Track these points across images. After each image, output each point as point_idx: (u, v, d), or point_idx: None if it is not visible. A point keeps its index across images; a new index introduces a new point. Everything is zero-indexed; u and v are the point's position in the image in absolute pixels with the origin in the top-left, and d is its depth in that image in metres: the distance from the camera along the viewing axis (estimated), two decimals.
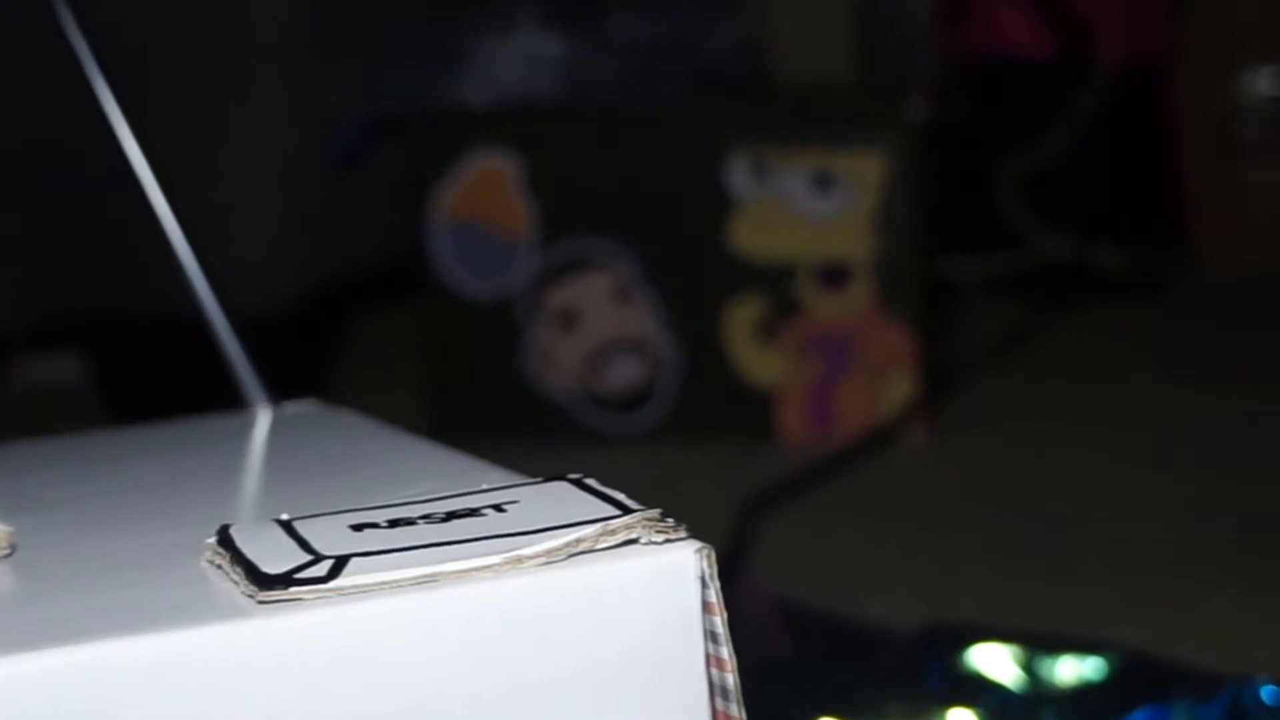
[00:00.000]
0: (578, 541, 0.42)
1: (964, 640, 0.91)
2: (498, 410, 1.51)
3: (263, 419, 0.61)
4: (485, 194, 1.49)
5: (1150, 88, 2.05)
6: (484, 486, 0.46)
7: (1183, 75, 2.03)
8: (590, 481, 0.46)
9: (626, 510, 0.43)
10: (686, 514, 1.22)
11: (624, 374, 1.49)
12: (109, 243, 1.46)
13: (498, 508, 0.44)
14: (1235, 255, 2.02)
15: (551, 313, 1.49)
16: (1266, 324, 1.82)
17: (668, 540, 0.42)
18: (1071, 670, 0.89)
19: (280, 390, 1.47)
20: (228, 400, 0.65)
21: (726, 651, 0.42)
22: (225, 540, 0.42)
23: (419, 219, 1.50)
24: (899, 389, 1.47)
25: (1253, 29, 2.01)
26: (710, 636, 0.42)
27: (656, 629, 0.42)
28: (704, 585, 0.42)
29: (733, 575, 1.10)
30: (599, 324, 1.49)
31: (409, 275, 1.53)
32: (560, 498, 0.44)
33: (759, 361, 1.48)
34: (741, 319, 1.47)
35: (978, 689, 0.88)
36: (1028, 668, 0.89)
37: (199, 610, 0.40)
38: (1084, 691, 0.88)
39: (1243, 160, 2.02)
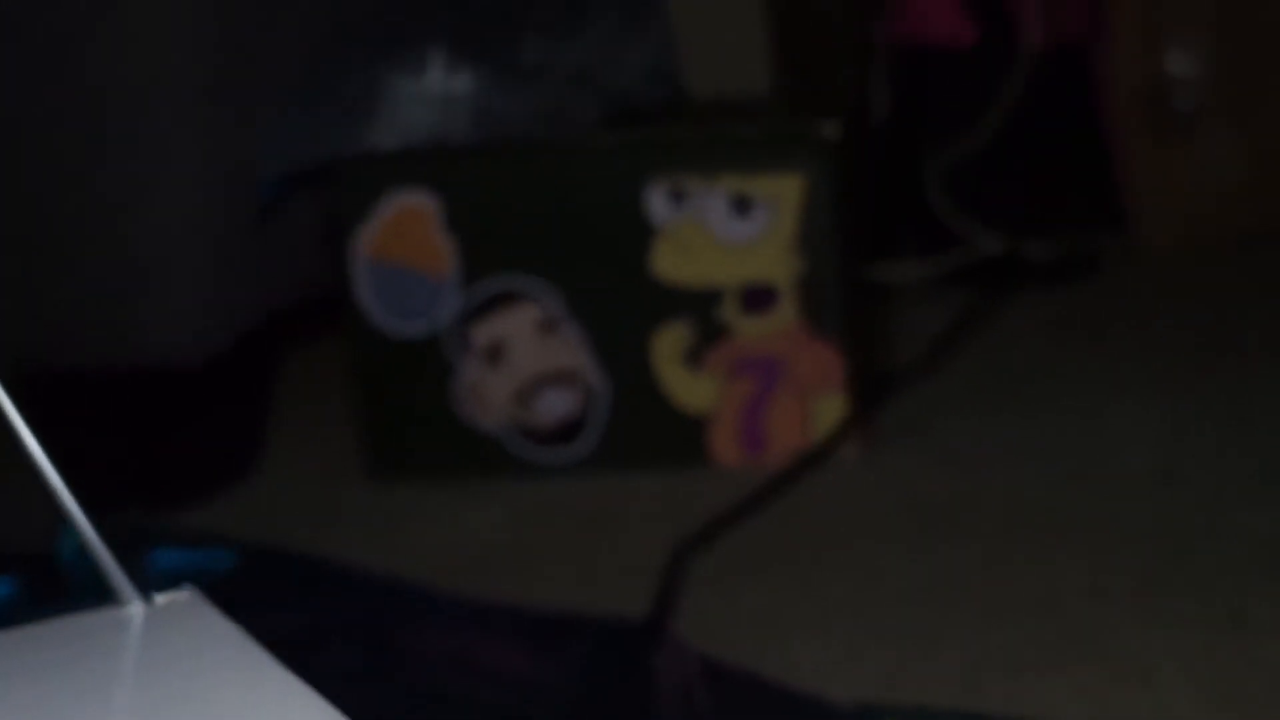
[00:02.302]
0: None
1: None
2: (430, 447, 1.51)
3: (130, 625, 0.60)
4: (405, 234, 1.48)
5: (1077, 69, 2.04)
6: None
7: (1110, 54, 2.02)
8: None
9: None
10: (621, 549, 1.22)
11: (554, 406, 1.49)
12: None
13: None
14: (1172, 232, 2.01)
15: (478, 349, 1.49)
16: (1207, 301, 1.81)
17: None
18: None
19: (217, 438, 1.45)
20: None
21: None
22: None
23: (342, 261, 1.49)
24: (831, 407, 1.46)
25: (1176, 1, 2.00)
26: None
27: None
28: None
29: (657, 636, 1.10)
30: (526, 358, 1.48)
31: (336, 315, 1.53)
32: None
33: (688, 387, 1.47)
34: (668, 345, 1.47)
35: None
36: None
37: None
38: None
39: (1174, 136, 2.01)
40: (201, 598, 0.61)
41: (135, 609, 0.61)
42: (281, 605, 1.18)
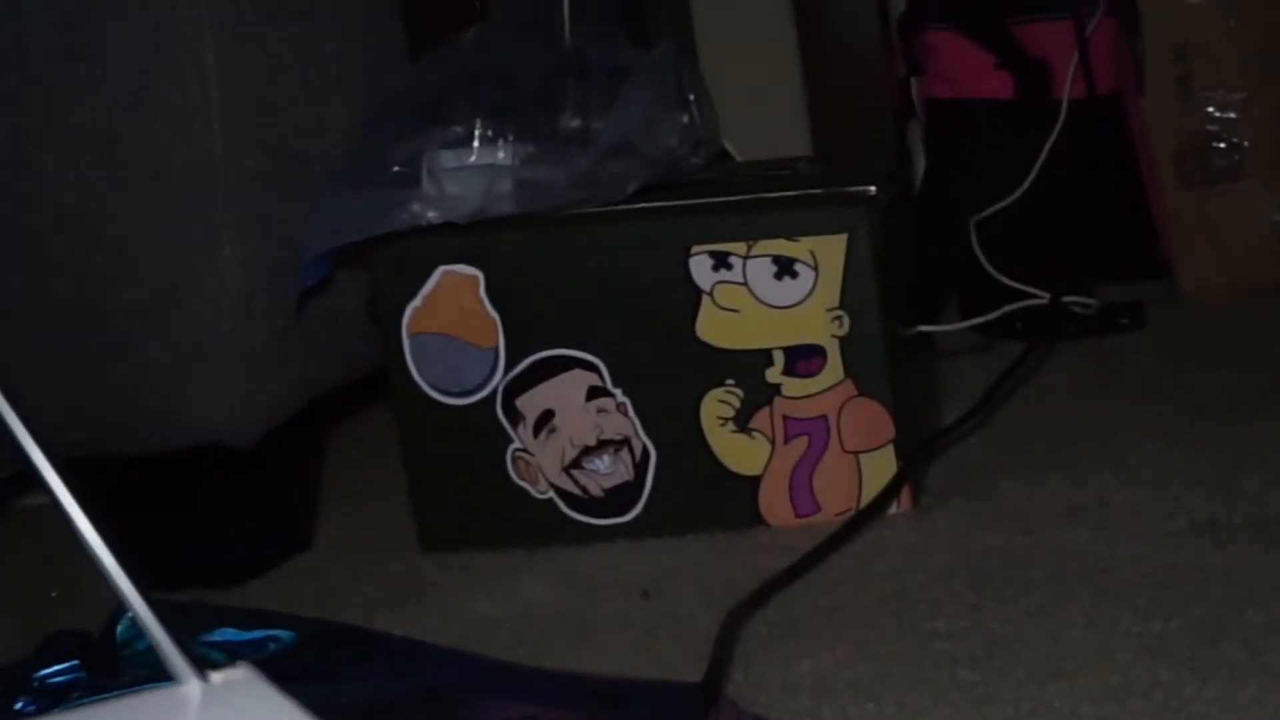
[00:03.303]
0: None
1: None
2: (482, 517, 1.52)
3: (189, 704, 0.60)
4: (452, 306, 1.49)
5: (1113, 121, 2.05)
6: None
7: (1146, 106, 2.02)
8: None
9: None
10: (675, 616, 1.22)
11: (604, 473, 1.49)
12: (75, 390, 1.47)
13: None
14: (1212, 280, 2.01)
15: (527, 418, 1.49)
16: (1249, 348, 1.81)
17: None
18: None
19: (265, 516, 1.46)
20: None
21: None
22: None
23: (389, 335, 1.50)
24: (881, 465, 1.47)
25: (1209, 53, 2.00)
26: None
27: None
28: None
29: (713, 699, 1.10)
30: (575, 426, 1.49)
31: (381, 389, 1.54)
32: None
33: (738, 449, 1.47)
34: (717, 409, 1.47)
35: None
36: None
37: None
38: None
39: (1211, 185, 2.01)
40: (257, 674, 0.62)
41: (192, 687, 0.62)
42: (340, 678, 1.18)
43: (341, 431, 1.87)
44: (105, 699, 0.61)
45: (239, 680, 0.62)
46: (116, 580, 0.63)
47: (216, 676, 0.63)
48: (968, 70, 2.04)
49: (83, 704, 0.64)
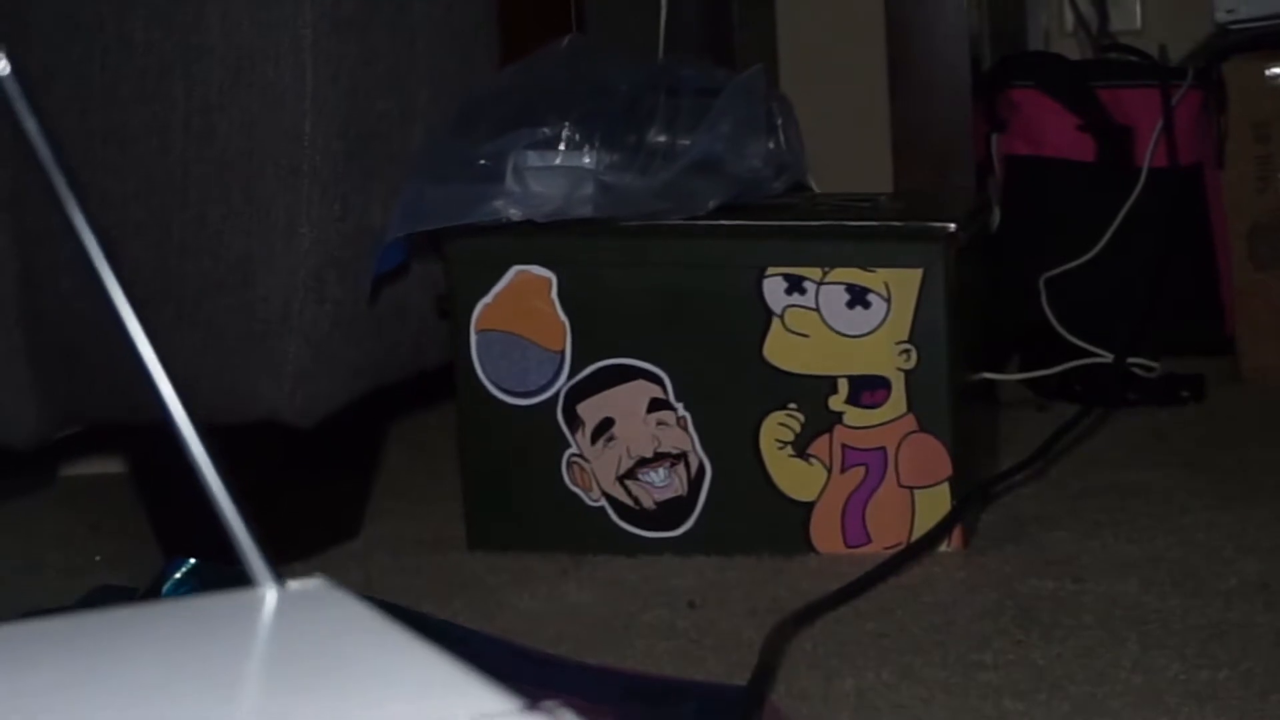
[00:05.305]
0: None
1: None
2: (532, 518, 1.51)
3: (265, 605, 0.60)
4: (522, 306, 1.49)
5: (1191, 193, 2.04)
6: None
7: (1224, 182, 2.02)
8: (565, 716, 0.45)
9: None
10: (719, 629, 1.21)
11: (658, 486, 1.49)
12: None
13: None
14: (1275, 361, 2.00)
15: (587, 424, 1.49)
16: None
17: None
18: None
19: (326, 492, 1.46)
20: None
21: None
22: None
23: (457, 331, 1.50)
24: (935, 502, 1.46)
25: None
26: None
27: None
28: None
29: (757, 705, 1.09)
30: (634, 436, 1.49)
31: (445, 384, 1.54)
32: None
33: (794, 474, 1.47)
34: (777, 431, 1.47)
35: None
36: None
37: None
38: None
39: None
40: (334, 583, 0.62)
41: (269, 591, 0.62)
42: None
43: (401, 429, 1.87)
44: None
45: (315, 587, 0.62)
46: (208, 477, 0.63)
47: (294, 583, 0.63)
48: (1050, 130, 2.04)
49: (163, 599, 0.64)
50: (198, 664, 0.55)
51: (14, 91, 0.61)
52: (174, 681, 0.53)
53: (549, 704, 0.45)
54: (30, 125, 0.61)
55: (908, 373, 1.45)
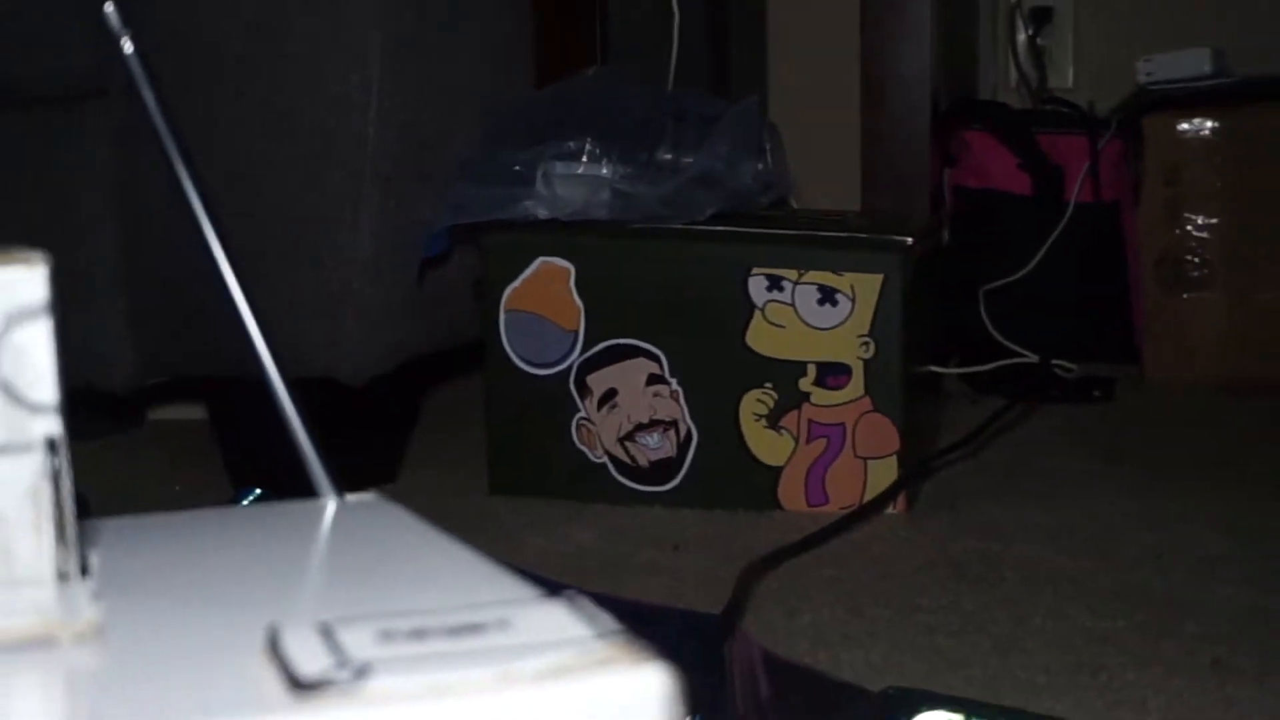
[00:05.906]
0: (561, 665, 0.41)
1: (919, 705, 0.90)
2: (544, 471, 1.51)
3: (328, 511, 0.60)
4: (545, 291, 1.49)
5: (1111, 225, 2.05)
6: (492, 601, 0.45)
7: (1139, 217, 2.02)
8: (582, 601, 0.45)
9: (607, 634, 0.42)
10: (699, 569, 1.21)
11: (652, 447, 1.49)
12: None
13: (501, 623, 0.43)
14: (1175, 370, 2.00)
15: (594, 393, 1.49)
16: (1199, 426, 1.80)
17: (639, 664, 0.42)
18: None
19: (366, 450, 1.46)
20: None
21: None
22: (273, 640, 0.42)
23: (489, 310, 1.50)
24: (884, 471, 1.46)
25: (1196, 181, 2.00)
26: None
27: None
28: (673, 707, 0.41)
29: (729, 630, 1.09)
30: (633, 405, 1.49)
31: (476, 357, 1.54)
32: (553, 618, 0.44)
33: (767, 442, 1.47)
34: (753, 406, 1.47)
35: None
36: None
37: (241, 702, 0.40)
38: None
39: (1184, 291, 2.01)
40: (388, 499, 0.62)
41: (330, 501, 0.62)
42: None
43: (434, 396, 1.87)
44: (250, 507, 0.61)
45: (372, 501, 0.62)
46: (286, 406, 0.63)
47: (352, 496, 0.63)
48: (995, 166, 2.04)
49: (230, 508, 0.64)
50: (274, 551, 0.55)
51: (136, 68, 0.61)
52: (253, 564, 0.53)
53: (569, 592, 0.45)
54: (149, 97, 0.61)
55: (866, 362, 1.45)
